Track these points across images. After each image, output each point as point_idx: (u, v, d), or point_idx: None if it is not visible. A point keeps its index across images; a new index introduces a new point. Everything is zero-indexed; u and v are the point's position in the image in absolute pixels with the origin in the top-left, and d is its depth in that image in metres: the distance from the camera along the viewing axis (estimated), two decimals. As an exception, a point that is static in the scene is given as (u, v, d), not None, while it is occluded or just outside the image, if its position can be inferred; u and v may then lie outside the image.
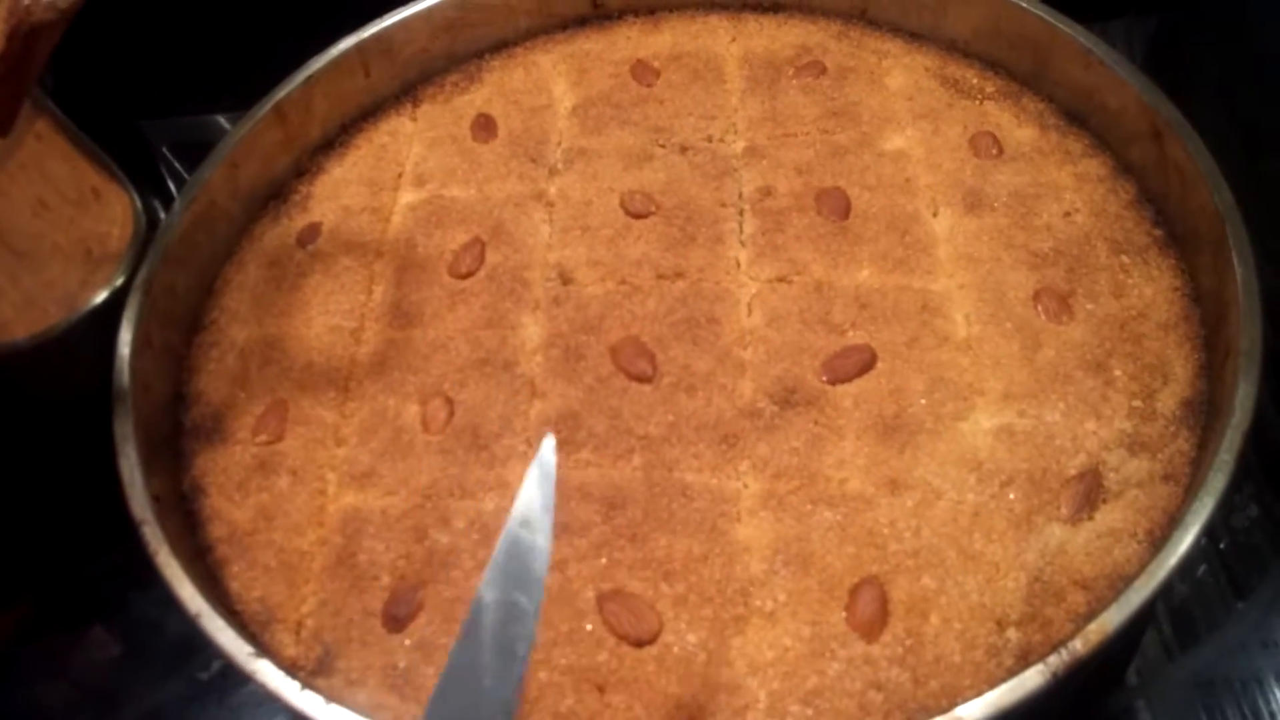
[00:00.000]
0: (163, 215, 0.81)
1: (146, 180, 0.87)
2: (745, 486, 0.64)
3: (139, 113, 1.09)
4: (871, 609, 0.58)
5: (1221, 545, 0.74)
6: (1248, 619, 0.64)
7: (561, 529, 0.63)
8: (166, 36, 1.08)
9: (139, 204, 0.80)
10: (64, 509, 0.83)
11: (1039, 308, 0.69)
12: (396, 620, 0.61)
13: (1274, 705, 0.64)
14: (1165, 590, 0.54)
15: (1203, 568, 0.74)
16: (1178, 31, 1.09)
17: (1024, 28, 0.81)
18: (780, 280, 0.73)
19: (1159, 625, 0.72)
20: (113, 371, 0.69)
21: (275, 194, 0.85)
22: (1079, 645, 0.52)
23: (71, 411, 0.73)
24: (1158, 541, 0.59)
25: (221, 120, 1.14)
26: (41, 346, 0.74)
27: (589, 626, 0.60)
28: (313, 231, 0.81)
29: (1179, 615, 0.72)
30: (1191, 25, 1.06)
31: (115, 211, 0.80)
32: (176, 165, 1.12)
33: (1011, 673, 0.54)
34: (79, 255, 0.77)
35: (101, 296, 0.76)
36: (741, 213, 0.77)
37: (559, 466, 0.66)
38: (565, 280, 0.75)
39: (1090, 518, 0.61)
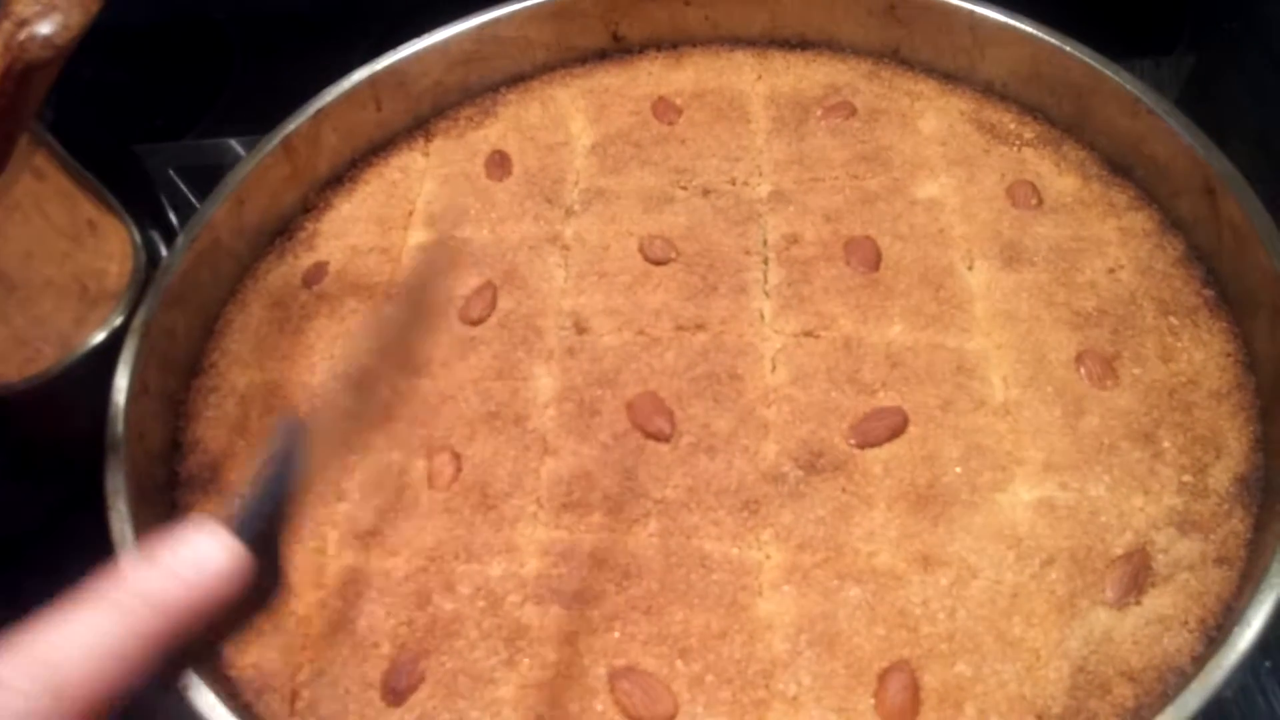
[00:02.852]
0: (163, 250, 0.78)
1: (146, 212, 0.84)
2: (768, 558, 0.60)
3: (144, 137, 1.06)
4: (902, 696, 0.54)
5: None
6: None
7: (572, 599, 0.60)
8: (171, 64, 1.06)
9: (138, 238, 0.77)
10: (56, 555, 0.80)
11: (1082, 371, 0.65)
12: (396, 693, 0.58)
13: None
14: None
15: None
16: (1213, 72, 1.05)
17: (1066, 71, 0.77)
18: (806, 335, 0.69)
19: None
20: (106, 418, 0.66)
21: (281, 231, 0.82)
22: (1132, 752, 0.48)
23: (64, 455, 0.70)
24: (1209, 630, 0.55)
25: (234, 144, 1.11)
26: (35, 388, 0.71)
27: (600, 707, 0.56)
28: (319, 271, 0.78)
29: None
30: (1228, 66, 1.03)
31: (113, 246, 0.77)
32: (184, 189, 1.09)
33: (1054, 774, 0.50)
34: (74, 292, 0.74)
35: (99, 338, 0.73)
36: (766, 261, 0.74)
37: (570, 530, 0.63)
38: (580, 329, 0.71)
39: (1138, 602, 0.57)
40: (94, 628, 0.32)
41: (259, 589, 0.38)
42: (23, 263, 0.70)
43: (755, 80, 0.87)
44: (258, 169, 0.78)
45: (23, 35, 0.55)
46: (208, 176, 0.81)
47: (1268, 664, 0.66)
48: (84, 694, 0.31)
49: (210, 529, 0.36)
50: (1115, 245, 0.72)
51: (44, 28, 0.54)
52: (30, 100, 0.57)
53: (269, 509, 0.40)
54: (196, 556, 0.35)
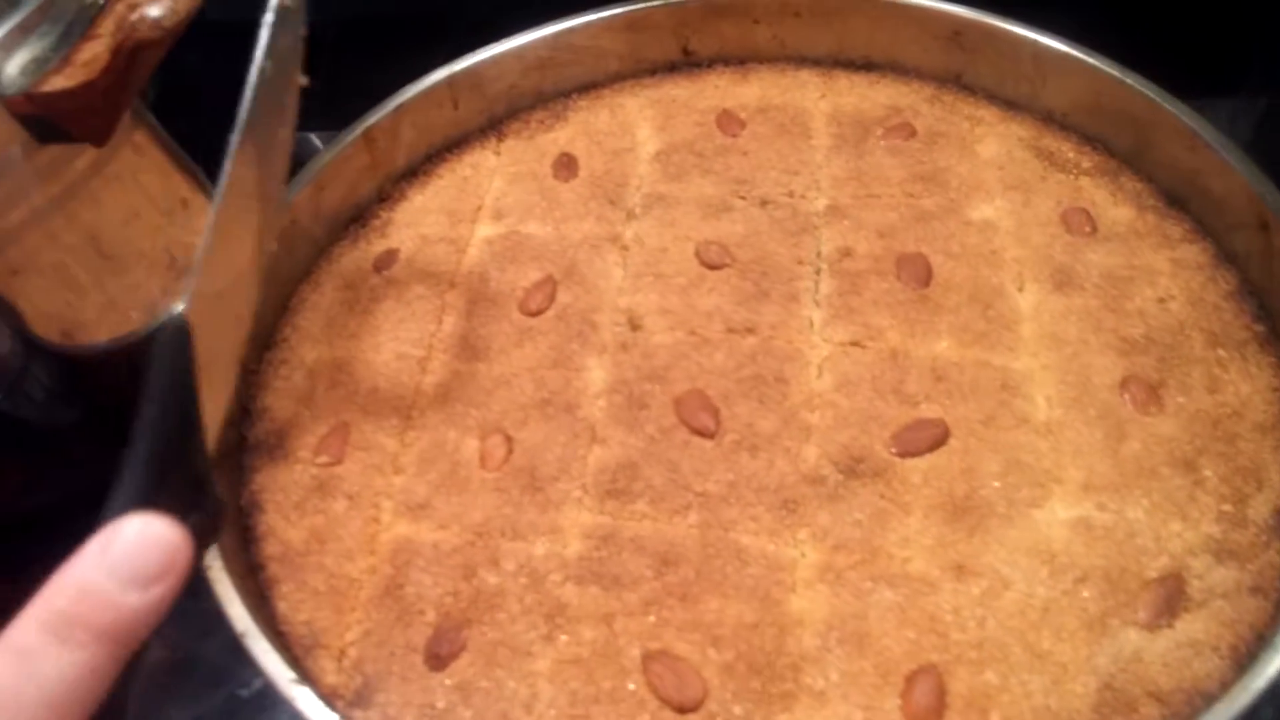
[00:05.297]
0: (246, 230, 0.82)
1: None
2: (803, 555, 0.62)
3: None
4: (928, 699, 0.56)
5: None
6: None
7: (612, 581, 0.62)
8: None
9: (224, 218, 0.81)
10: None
11: (1126, 396, 0.66)
12: (438, 658, 0.60)
13: None
14: (1249, 715, 0.50)
15: None
16: (1287, 116, 1.05)
17: (1126, 104, 0.78)
18: (854, 344, 0.71)
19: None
20: (183, 381, 0.69)
21: (356, 218, 0.86)
22: (1152, 765, 0.49)
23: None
24: (1241, 658, 0.56)
25: (313, 139, 1.16)
26: (121, 350, 0.75)
27: (632, 686, 0.58)
28: (390, 258, 0.82)
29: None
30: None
31: (201, 222, 0.82)
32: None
33: (1074, 784, 0.51)
34: (162, 262, 0.79)
35: (182, 305, 0.77)
36: (819, 272, 0.76)
37: (613, 516, 0.65)
38: (634, 326, 0.74)
39: (1170, 625, 0.57)
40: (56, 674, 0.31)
41: (200, 531, 0.36)
42: (119, 233, 0.74)
43: (819, 99, 0.89)
44: (338, 158, 0.82)
45: (134, 16, 0.59)
46: (291, 169, 0.84)
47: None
48: None
49: (141, 522, 0.34)
50: (1167, 276, 0.73)
51: (154, 10, 0.59)
52: (137, 78, 0.61)
53: (168, 448, 0.36)
54: (142, 559, 0.34)
